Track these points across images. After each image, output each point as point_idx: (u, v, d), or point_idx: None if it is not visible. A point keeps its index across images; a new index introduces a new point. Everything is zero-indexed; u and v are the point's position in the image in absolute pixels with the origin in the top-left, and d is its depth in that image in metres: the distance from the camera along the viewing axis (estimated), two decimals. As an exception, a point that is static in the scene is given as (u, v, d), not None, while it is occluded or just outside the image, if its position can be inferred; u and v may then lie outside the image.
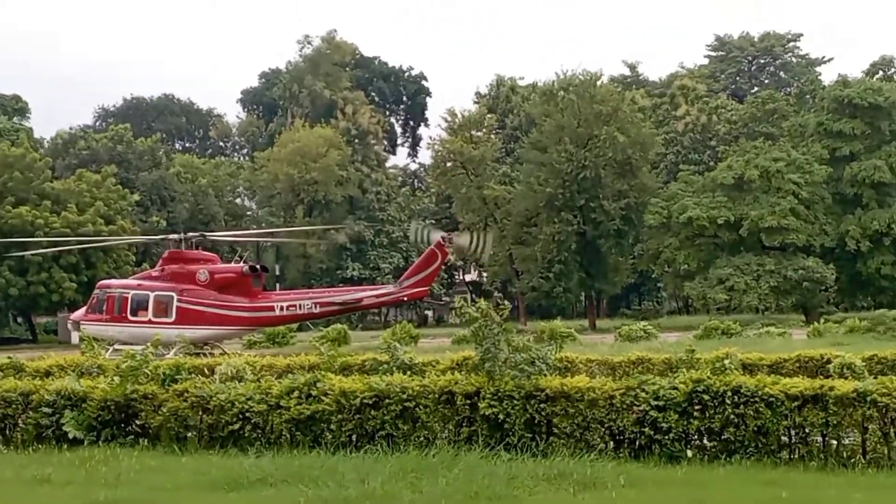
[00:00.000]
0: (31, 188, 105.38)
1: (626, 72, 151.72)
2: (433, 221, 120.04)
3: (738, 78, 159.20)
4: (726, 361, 23.90)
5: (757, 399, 20.10)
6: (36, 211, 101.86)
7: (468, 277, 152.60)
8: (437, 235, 64.17)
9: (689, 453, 20.21)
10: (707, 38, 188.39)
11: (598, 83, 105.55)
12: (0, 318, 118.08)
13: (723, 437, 20.35)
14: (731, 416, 20.15)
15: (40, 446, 23.68)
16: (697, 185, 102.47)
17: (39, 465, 20.94)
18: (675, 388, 20.54)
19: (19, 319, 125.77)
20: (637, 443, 20.73)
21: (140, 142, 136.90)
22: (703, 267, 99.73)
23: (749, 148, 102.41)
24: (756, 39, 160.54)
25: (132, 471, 20.24)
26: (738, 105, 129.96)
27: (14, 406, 24.61)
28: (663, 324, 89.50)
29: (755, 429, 20.13)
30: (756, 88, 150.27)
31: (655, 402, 20.45)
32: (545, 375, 21.90)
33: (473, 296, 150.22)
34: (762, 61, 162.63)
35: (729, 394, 20.23)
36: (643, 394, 20.66)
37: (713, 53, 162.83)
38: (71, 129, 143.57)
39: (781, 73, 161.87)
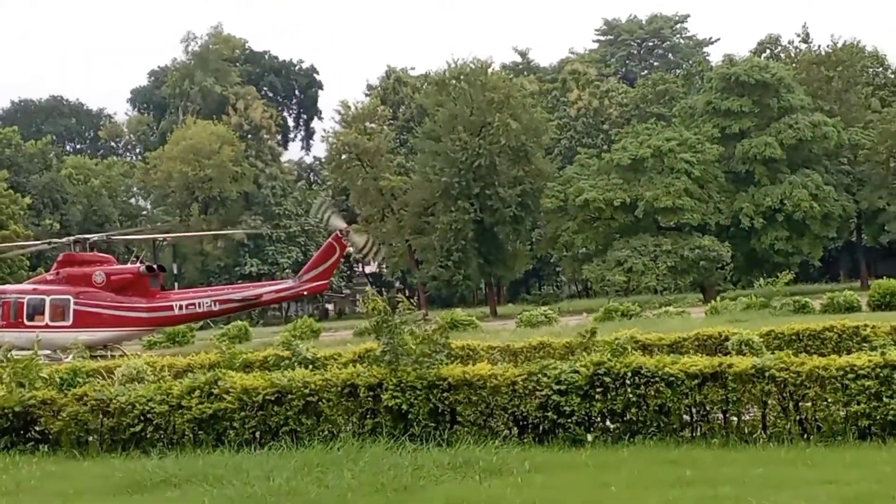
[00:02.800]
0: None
1: (517, 59, 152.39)
2: (336, 203, 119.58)
3: (627, 61, 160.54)
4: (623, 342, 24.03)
5: (657, 379, 20.30)
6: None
7: (368, 269, 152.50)
8: (337, 221, 63.86)
9: (590, 437, 20.33)
10: (596, 23, 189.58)
11: (490, 71, 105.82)
12: None
13: (625, 418, 20.53)
14: (633, 397, 20.33)
15: (-63, 457, 23.32)
16: (593, 167, 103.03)
17: (-63, 477, 20.61)
18: (577, 372, 20.65)
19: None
20: (541, 428, 20.83)
21: (29, 144, 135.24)
22: (601, 250, 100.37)
23: (641, 129, 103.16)
24: (644, 22, 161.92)
25: (33, 478, 20.00)
26: (628, 88, 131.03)
27: None
28: (563, 308, 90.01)
29: (656, 408, 20.33)
30: (646, 71, 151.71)
31: (557, 387, 20.55)
32: (445, 364, 21.95)
33: (374, 287, 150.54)
34: (651, 44, 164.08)
35: (629, 375, 20.41)
36: (545, 378, 20.75)
37: (602, 38, 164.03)
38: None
39: (670, 55, 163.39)
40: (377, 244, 70.07)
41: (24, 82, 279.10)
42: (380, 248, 71.73)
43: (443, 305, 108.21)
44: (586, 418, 20.57)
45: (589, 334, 24.59)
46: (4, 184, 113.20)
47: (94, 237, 65.95)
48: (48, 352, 53.23)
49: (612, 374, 20.48)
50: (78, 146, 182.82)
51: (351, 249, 68.11)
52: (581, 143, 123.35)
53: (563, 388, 20.52)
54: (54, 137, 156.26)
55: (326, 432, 21.52)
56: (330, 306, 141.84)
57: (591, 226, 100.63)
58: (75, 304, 58.78)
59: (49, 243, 71.48)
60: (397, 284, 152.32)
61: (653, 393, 20.29)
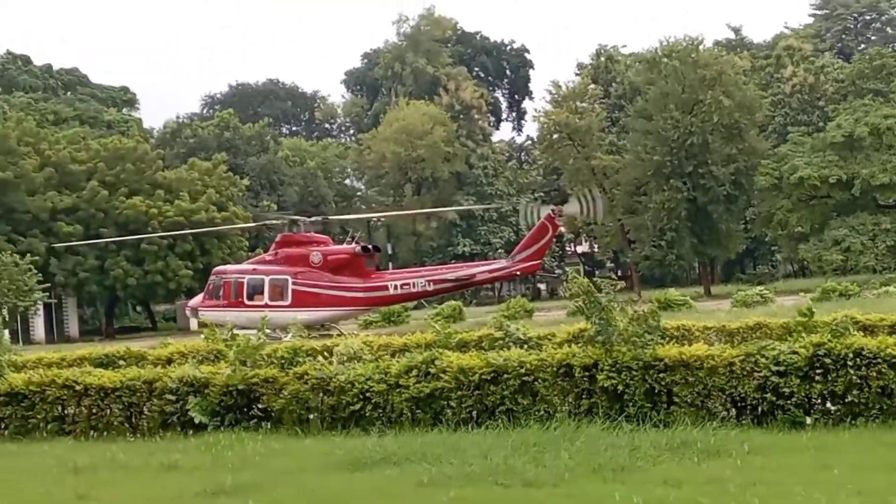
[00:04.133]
0: (143, 179, 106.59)
1: (730, 35, 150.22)
2: (542, 195, 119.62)
3: (844, 36, 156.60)
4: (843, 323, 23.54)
5: (880, 360, 19.93)
6: (149, 201, 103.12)
7: (580, 249, 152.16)
8: (546, 210, 63.86)
9: (809, 420, 20.06)
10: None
11: (701, 48, 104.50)
12: (119, 307, 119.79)
13: (846, 400, 20.16)
14: (854, 379, 19.96)
15: (166, 433, 24.06)
16: (807, 145, 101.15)
17: (166, 452, 21.26)
18: (796, 353, 20.40)
19: (138, 308, 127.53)
20: (759, 409, 20.64)
21: (247, 127, 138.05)
22: (817, 229, 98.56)
23: (858, 106, 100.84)
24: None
25: (257, 454, 20.51)
26: (844, 63, 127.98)
27: (139, 394, 24.99)
28: (779, 288, 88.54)
29: (879, 390, 19.95)
30: (863, 46, 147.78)
31: (776, 368, 20.33)
32: (660, 345, 21.86)
33: (586, 267, 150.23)
34: (868, 18, 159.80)
35: (850, 356, 20.05)
36: (763, 360, 20.53)
37: (818, 12, 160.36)
38: (178, 117, 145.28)
39: (888, 29, 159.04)
40: (591, 195, 68.98)
41: (241, 67, 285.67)
42: (596, 198, 70.39)
43: (656, 285, 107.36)
44: (806, 400, 20.31)
45: (808, 314, 24.23)
46: (224, 166, 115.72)
47: (312, 219, 67.02)
48: (268, 331, 54.40)
49: (832, 355, 20.16)
50: (294, 128, 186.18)
51: (563, 229, 67.97)
52: (795, 120, 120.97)
53: (782, 369, 20.29)
54: (271, 120, 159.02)
55: (542, 412, 21.61)
56: (542, 286, 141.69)
57: (807, 204, 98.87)
58: (293, 283, 59.85)
59: (266, 224, 72.86)
60: (609, 264, 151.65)
61: (875, 374, 19.92)
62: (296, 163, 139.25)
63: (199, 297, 64.99)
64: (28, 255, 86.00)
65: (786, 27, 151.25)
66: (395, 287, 60.58)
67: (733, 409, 20.89)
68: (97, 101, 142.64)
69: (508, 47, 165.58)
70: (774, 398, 20.31)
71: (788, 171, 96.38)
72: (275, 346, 27.88)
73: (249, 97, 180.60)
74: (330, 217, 74.53)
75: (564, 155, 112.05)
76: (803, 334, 21.93)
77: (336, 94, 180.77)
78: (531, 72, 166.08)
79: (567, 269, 33.50)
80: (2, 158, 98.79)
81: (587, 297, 22.42)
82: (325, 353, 27.10)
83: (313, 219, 66.08)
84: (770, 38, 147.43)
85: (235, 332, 30.59)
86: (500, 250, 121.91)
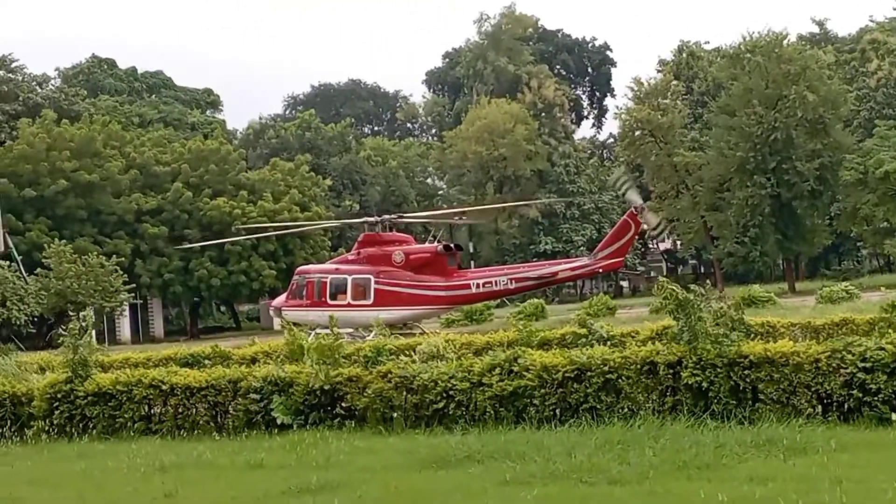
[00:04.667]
0: (226, 179, 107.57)
1: (814, 29, 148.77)
2: (633, 177, 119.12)
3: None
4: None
5: (968, 356, 19.69)
6: (233, 202, 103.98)
7: (662, 246, 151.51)
8: (633, 195, 63.54)
9: (894, 416, 19.84)
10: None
11: (785, 42, 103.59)
12: (204, 307, 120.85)
13: (934, 396, 19.95)
14: (943, 375, 19.75)
15: (251, 432, 24.26)
16: (893, 139, 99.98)
17: (252, 451, 21.46)
18: (883, 349, 20.18)
19: (222, 308, 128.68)
20: (846, 406, 20.43)
21: (329, 127, 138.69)
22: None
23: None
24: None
25: (341, 453, 20.63)
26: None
27: (224, 393, 25.25)
28: (865, 283, 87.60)
29: (967, 386, 19.71)
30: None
31: (863, 364, 20.13)
32: (745, 341, 21.74)
33: (668, 264, 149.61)
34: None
35: (939, 352, 19.84)
36: (849, 356, 20.35)
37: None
38: (261, 118, 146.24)
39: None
40: (670, 223, 69.18)
41: (324, 68, 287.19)
42: (670, 228, 70.83)
43: (739, 282, 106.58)
44: (893, 396, 20.07)
45: (892, 309, 24.01)
46: (307, 166, 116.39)
47: (392, 217, 67.23)
48: (350, 330, 54.62)
49: (920, 351, 19.95)
50: (375, 128, 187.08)
51: (644, 226, 67.81)
52: (881, 114, 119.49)
53: (868, 365, 20.09)
54: (353, 120, 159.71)
55: (626, 409, 21.58)
56: (625, 283, 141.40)
57: (893, 199, 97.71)
58: (376, 283, 60.01)
59: (349, 224, 73.19)
60: (692, 261, 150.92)
61: (964, 370, 19.70)
62: (378, 162, 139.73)
63: (282, 297, 65.32)
64: (114, 256, 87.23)
65: (871, 20, 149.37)
66: (477, 286, 60.56)
67: (819, 406, 20.72)
68: (181, 104, 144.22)
69: (590, 44, 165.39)
70: (861, 395, 20.12)
71: (874, 166, 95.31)
72: (358, 345, 28.01)
73: (331, 97, 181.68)
74: (406, 215, 74.44)
75: (646, 152, 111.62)
76: (890, 330, 21.70)
77: (418, 93, 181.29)
78: (613, 69, 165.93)
79: (659, 279, 33.05)
80: (88, 161, 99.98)
81: (679, 306, 22.33)
82: (408, 352, 27.19)
83: (384, 217, 66.20)
84: (855, 32, 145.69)
85: (318, 331, 30.73)
86: (581, 248, 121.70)
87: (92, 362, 27.15)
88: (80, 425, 26.12)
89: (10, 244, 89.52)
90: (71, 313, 28.57)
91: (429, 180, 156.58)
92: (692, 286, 23.29)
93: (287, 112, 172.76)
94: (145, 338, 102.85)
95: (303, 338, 28.84)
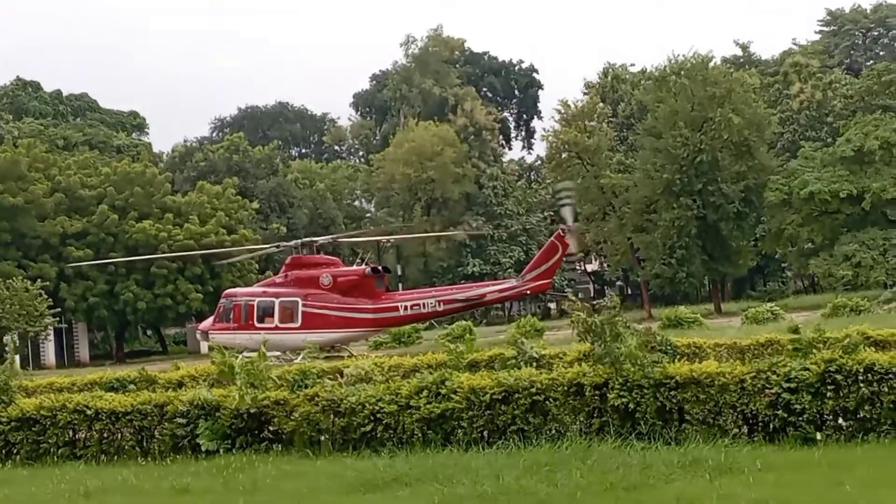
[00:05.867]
0: (152, 202, 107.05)
1: (738, 52, 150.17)
2: (551, 213, 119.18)
3: (852, 52, 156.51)
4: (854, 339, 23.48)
5: (892, 375, 19.85)
6: (159, 224, 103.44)
7: (590, 268, 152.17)
8: (567, 214, 63.70)
9: (819, 436, 20.00)
10: (818, 13, 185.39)
11: (710, 65, 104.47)
12: (130, 331, 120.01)
13: (858, 416, 20.10)
14: (866, 395, 19.91)
15: (177, 457, 24.07)
16: (817, 160, 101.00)
17: (178, 476, 21.29)
18: (807, 369, 20.34)
19: (149, 332, 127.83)
20: (771, 426, 20.56)
21: (257, 150, 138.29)
22: (828, 244, 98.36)
23: (868, 120, 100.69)
24: (869, 11, 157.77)
25: (268, 477, 20.53)
26: (853, 79, 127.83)
27: (150, 418, 25.04)
28: (790, 304, 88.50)
29: (891, 406, 19.88)
30: (871, 61, 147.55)
31: (788, 384, 20.27)
32: (670, 363, 21.87)
33: (595, 286, 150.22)
34: (876, 33, 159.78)
35: (862, 372, 20.00)
36: (774, 376, 20.49)
37: (825, 28, 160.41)
38: (187, 141, 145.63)
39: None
40: (596, 245, 69.47)
41: (251, 90, 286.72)
42: (598, 249, 70.74)
43: (666, 303, 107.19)
44: (818, 416, 20.23)
45: (797, 331, 24.23)
46: (234, 189, 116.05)
47: (320, 240, 67.21)
48: (278, 353, 54.45)
49: (844, 371, 20.11)
50: (303, 151, 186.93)
51: (573, 249, 68.06)
52: (804, 136, 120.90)
53: (793, 385, 20.23)
54: (280, 143, 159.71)
55: (553, 431, 21.63)
56: (552, 305, 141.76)
57: (817, 219, 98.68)
58: (303, 305, 59.97)
59: (277, 247, 73.14)
60: (619, 283, 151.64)
61: (887, 390, 19.86)
62: (305, 185, 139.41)
63: (209, 320, 65.11)
64: (38, 280, 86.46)
65: (794, 44, 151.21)
66: (405, 308, 60.70)
67: (745, 426, 20.85)
68: (106, 126, 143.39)
69: (517, 67, 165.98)
70: (786, 415, 20.26)
71: (798, 186, 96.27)
72: (285, 368, 27.91)
73: (259, 120, 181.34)
74: (339, 238, 74.45)
75: (573, 174, 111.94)
76: (814, 351, 21.88)
77: (345, 116, 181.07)
78: (540, 91, 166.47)
79: (569, 297, 33.04)
80: (12, 184, 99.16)
81: (590, 331, 22.44)
82: (336, 375, 27.12)
83: (307, 240, 66.25)
84: (778, 55, 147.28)
85: (245, 355, 30.58)
86: (509, 269, 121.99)
87: (14, 387, 26.85)
88: (3, 451, 25.81)
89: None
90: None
91: (356, 203, 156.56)
92: (597, 303, 23.45)
93: (214, 134, 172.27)
94: (70, 362, 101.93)
95: (232, 359, 28.70)
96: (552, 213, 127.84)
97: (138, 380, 31.46)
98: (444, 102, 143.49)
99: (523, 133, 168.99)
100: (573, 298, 24.27)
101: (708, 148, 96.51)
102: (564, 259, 67.36)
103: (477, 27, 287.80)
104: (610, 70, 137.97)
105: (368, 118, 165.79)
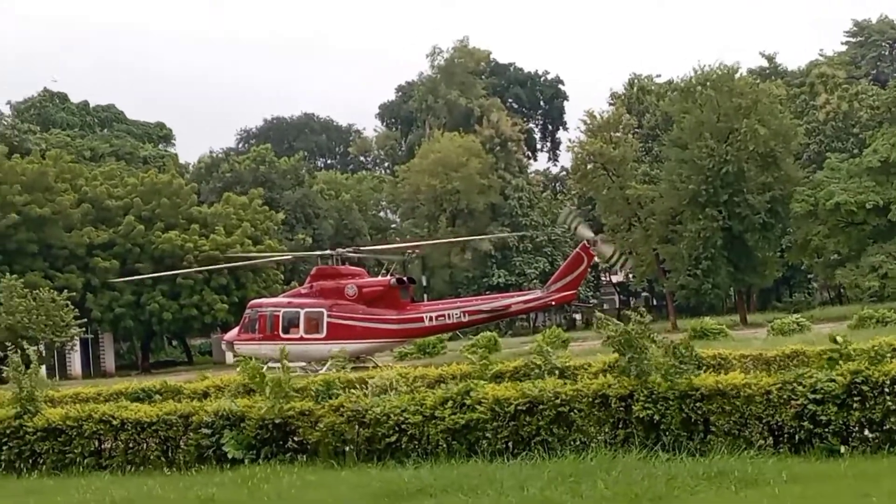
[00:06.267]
0: (178, 213, 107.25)
1: (764, 63, 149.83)
2: (581, 212, 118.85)
3: (879, 62, 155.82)
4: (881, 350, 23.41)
5: (917, 387, 19.79)
6: (185, 235, 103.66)
7: (615, 279, 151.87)
8: (584, 230, 63.80)
9: (843, 448, 19.94)
10: (845, 25, 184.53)
11: (736, 76, 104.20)
12: (155, 341, 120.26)
13: (884, 427, 20.02)
14: (892, 406, 19.83)
15: (202, 467, 24.11)
16: (843, 171, 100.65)
17: (203, 486, 21.31)
18: (833, 381, 20.27)
19: (174, 342, 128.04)
20: (796, 437, 20.50)
21: (283, 161, 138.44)
22: (854, 255, 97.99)
23: (894, 132, 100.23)
24: (895, 23, 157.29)
25: (293, 487, 20.53)
26: (880, 90, 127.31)
27: (175, 428, 25.10)
28: (816, 315, 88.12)
29: (917, 418, 19.80)
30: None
31: (813, 396, 20.22)
32: (695, 374, 21.80)
33: (621, 297, 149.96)
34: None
35: (888, 383, 19.92)
36: (800, 387, 20.44)
37: (852, 39, 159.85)
38: (213, 152, 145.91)
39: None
40: (624, 254, 69.75)
41: (277, 101, 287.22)
42: (627, 258, 71.96)
43: (691, 314, 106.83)
44: (843, 428, 20.16)
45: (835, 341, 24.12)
46: (260, 200, 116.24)
47: (345, 251, 67.28)
48: (303, 364, 54.50)
49: (870, 382, 20.04)
50: (328, 162, 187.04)
51: (598, 259, 68.06)
52: (831, 147, 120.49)
53: (819, 397, 20.18)
54: (306, 154, 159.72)
55: (578, 442, 21.60)
56: (577, 316, 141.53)
57: (843, 230, 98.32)
58: (328, 316, 60.05)
59: (303, 257, 73.18)
60: (644, 294, 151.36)
61: (913, 401, 19.79)
62: (331, 196, 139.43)
63: (234, 331, 65.25)
64: (65, 290, 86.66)
65: (820, 55, 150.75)
66: (430, 319, 60.73)
67: (770, 438, 20.80)
68: (133, 137, 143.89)
69: (542, 78, 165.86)
70: (812, 426, 20.21)
71: (824, 198, 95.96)
72: (310, 379, 27.93)
73: (284, 131, 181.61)
74: (363, 249, 74.58)
75: (599, 185, 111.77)
76: (840, 362, 21.78)
77: (370, 127, 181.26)
78: (565, 102, 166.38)
79: (597, 313, 33.16)
80: (40, 195, 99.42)
81: (622, 339, 22.37)
82: (360, 385, 27.12)
83: (337, 251, 66.36)
84: (804, 66, 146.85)
85: (271, 365, 30.61)
86: (534, 281, 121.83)
87: (40, 397, 26.93)
88: (30, 461, 25.94)
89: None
90: (9, 348, 28.26)
91: (382, 214, 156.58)
92: (627, 313, 23.42)
93: (240, 146, 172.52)
94: (96, 372, 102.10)
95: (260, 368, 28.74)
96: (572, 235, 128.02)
97: (163, 390, 31.55)
98: (469, 113, 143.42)
99: (549, 144, 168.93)
100: (601, 313, 24.24)
101: (734, 159, 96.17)
102: (590, 270, 67.35)
103: (503, 39, 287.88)
104: (636, 81, 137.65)
105: (394, 129, 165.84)
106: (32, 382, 26.80)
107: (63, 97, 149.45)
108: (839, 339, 23.60)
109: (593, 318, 22.82)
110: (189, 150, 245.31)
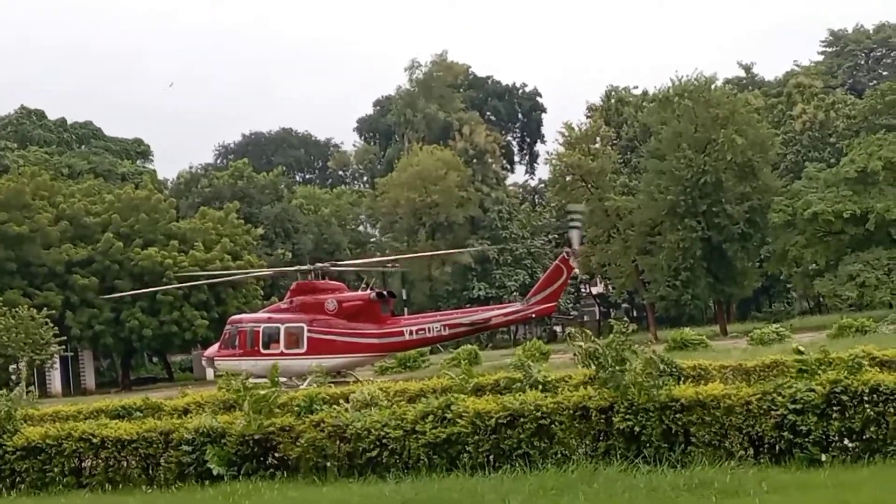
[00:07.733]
0: (157, 229, 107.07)
1: (741, 73, 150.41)
2: (556, 237, 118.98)
3: (855, 72, 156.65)
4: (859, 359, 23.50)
5: (896, 396, 19.86)
6: (164, 251, 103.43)
7: (595, 290, 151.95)
8: (574, 237, 63.79)
9: (824, 457, 19.99)
10: (821, 35, 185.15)
11: (713, 86, 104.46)
12: (136, 358, 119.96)
13: (864, 436, 20.09)
14: (872, 415, 19.90)
15: (183, 484, 24.05)
16: (821, 180, 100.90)
17: (184, 503, 21.25)
18: (813, 391, 20.34)
19: (154, 359, 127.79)
20: (777, 447, 20.56)
21: (262, 176, 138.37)
22: (832, 264, 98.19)
23: (872, 140, 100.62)
24: (871, 32, 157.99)
25: (274, 503, 20.48)
26: (856, 99, 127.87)
27: (155, 445, 25.04)
28: (795, 325, 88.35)
29: (896, 426, 19.87)
30: (875, 81, 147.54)
31: (793, 406, 20.27)
32: (676, 385, 21.85)
33: (601, 308, 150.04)
34: (879, 53, 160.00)
35: (867, 392, 19.99)
36: (780, 398, 20.50)
37: (828, 49, 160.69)
38: (191, 168, 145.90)
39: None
40: (601, 268, 69.44)
41: (255, 116, 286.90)
42: (602, 272, 71.08)
43: (671, 325, 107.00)
44: (823, 437, 20.22)
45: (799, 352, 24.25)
46: (237, 215, 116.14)
47: (325, 266, 67.21)
48: (284, 379, 54.38)
49: (849, 391, 20.12)
50: (307, 176, 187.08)
51: (578, 271, 68.04)
52: (807, 157, 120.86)
53: (799, 407, 20.24)
54: (284, 168, 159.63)
55: (559, 455, 21.60)
56: (558, 328, 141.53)
57: (821, 240, 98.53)
58: (309, 331, 59.93)
59: (282, 272, 73.10)
60: (624, 305, 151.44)
61: (892, 410, 19.87)
62: (310, 211, 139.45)
63: (214, 347, 65.03)
64: (44, 308, 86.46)
65: (796, 65, 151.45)
66: (411, 332, 60.65)
67: (751, 448, 20.85)
68: (111, 154, 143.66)
69: (520, 91, 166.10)
70: (792, 436, 20.27)
71: (802, 207, 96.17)
72: (291, 395, 27.90)
73: (263, 146, 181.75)
74: (342, 263, 74.52)
75: (577, 197, 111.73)
76: (819, 372, 21.86)
77: (349, 141, 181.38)
78: (543, 115, 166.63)
79: (568, 329, 33.09)
80: (17, 213, 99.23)
81: (592, 358, 22.45)
82: (341, 401, 27.10)
83: (316, 266, 66.33)
84: (781, 76, 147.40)
85: (251, 381, 30.53)
86: (515, 293, 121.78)
87: (18, 416, 26.84)
88: (9, 480, 25.83)
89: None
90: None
91: (361, 228, 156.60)
92: (611, 322, 23.48)
93: (218, 161, 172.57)
94: (76, 390, 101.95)
95: (236, 388, 28.68)
96: (557, 236, 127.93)
97: (144, 407, 31.46)
98: (448, 127, 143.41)
99: (527, 156, 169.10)
100: (573, 329, 24.28)
101: (712, 169, 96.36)
102: (569, 282, 67.36)
103: (480, 52, 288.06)
104: (613, 93, 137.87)
105: (372, 143, 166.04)
106: (10, 401, 26.71)
107: (40, 114, 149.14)
108: (801, 349, 23.76)
109: (565, 334, 22.81)
110: (167, 166, 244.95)
